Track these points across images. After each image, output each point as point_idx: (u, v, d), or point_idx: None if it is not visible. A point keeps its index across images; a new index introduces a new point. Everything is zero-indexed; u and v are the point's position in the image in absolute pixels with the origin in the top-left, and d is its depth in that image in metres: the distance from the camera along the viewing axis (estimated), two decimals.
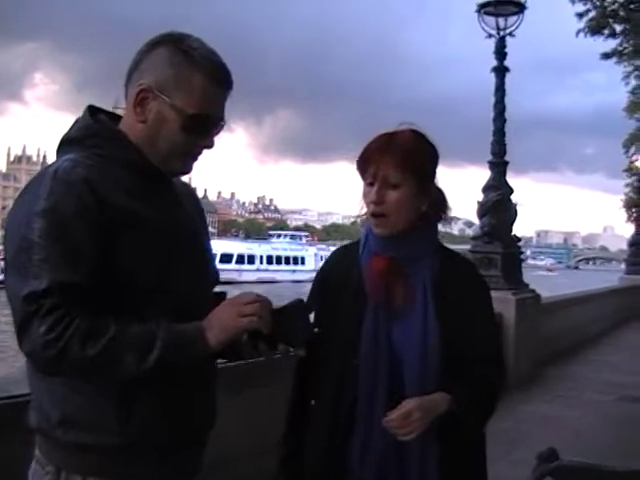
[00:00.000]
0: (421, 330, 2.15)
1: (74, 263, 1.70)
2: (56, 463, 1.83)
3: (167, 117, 1.85)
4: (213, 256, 2.20)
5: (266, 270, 64.89)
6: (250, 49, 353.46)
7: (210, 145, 1.94)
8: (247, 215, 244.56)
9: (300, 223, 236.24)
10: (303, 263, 70.65)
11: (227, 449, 3.52)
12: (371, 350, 2.16)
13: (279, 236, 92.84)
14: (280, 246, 77.08)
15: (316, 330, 1.95)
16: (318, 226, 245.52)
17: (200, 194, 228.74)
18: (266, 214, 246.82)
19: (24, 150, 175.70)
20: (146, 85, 1.85)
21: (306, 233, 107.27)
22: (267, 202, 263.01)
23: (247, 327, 1.81)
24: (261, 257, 66.97)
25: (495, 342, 2.38)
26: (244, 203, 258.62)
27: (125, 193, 1.81)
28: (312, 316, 1.99)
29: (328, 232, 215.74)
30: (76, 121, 1.94)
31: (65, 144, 1.90)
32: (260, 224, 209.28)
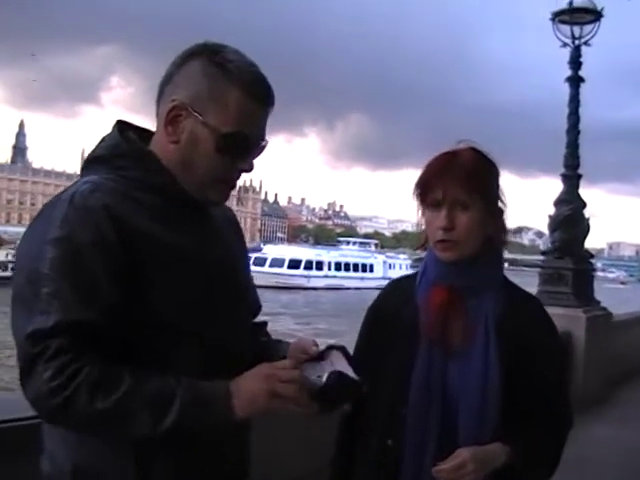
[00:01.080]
0: (481, 372, 1.93)
1: (88, 299, 1.51)
2: None
3: (200, 137, 1.67)
4: (253, 286, 2.01)
5: (334, 277, 64.77)
6: (322, 53, 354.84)
7: (250, 169, 1.74)
8: (317, 221, 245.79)
9: (370, 230, 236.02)
10: (372, 270, 70.27)
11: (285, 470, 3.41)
12: (422, 397, 1.96)
13: (348, 243, 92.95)
14: (349, 253, 77.05)
15: (364, 389, 1.71)
16: (388, 233, 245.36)
17: (271, 199, 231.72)
18: (336, 220, 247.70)
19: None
20: (179, 102, 1.67)
21: (375, 241, 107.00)
22: (337, 208, 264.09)
23: (277, 410, 1.58)
24: (329, 263, 66.88)
25: (561, 389, 2.14)
26: (314, 209, 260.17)
27: (153, 221, 1.64)
28: (353, 374, 1.70)
29: (398, 239, 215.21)
30: (103, 139, 1.76)
31: (91, 162, 1.73)
32: (329, 230, 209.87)
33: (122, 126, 1.77)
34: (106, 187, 1.63)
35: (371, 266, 71.53)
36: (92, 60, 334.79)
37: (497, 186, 2.07)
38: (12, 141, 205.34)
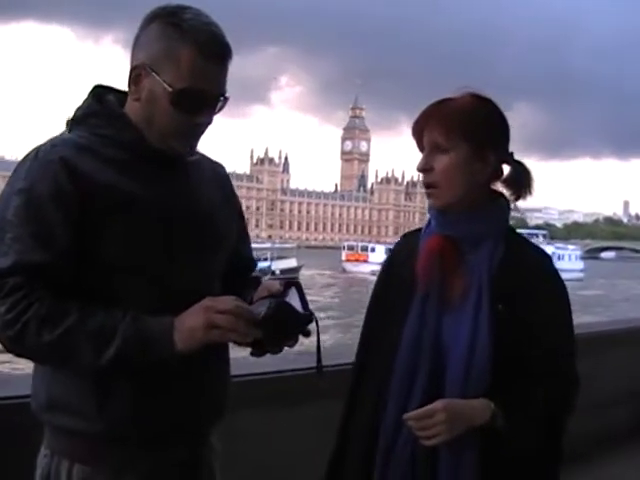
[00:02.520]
0: (470, 328, 1.87)
1: (44, 244, 1.67)
2: (50, 447, 1.82)
3: (157, 94, 1.77)
4: (244, 242, 2.11)
5: None
6: (483, 40, 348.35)
7: (207, 122, 1.83)
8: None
9: (540, 222, 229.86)
10: None
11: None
12: (410, 352, 1.92)
13: None
14: None
15: (302, 312, 1.73)
16: (559, 224, 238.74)
17: None
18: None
19: (266, 152, 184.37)
20: (139, 62, 1.79)
21: (544, 231, 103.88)
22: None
23: (217, 340, 1.68)
24: None
25: (565, 355, 1.99)
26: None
27: (115, 174, 1.75)
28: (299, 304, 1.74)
29: (569, 231, 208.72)
30: (81, 103, 1.89)
31: (72, 124, 1.85)
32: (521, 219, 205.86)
33: (101, 90, 1.89)
34: (68, 142, 1.78)
35: None
36: (263, 60, 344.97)
37: (495, 132, 1.99)
38: None
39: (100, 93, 1.87)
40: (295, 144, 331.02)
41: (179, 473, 1.86)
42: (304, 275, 49.35)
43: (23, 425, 2.03)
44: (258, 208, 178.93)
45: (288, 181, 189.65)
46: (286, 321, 1.69)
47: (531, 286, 1.93)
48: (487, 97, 1.99)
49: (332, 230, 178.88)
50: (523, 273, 1.94)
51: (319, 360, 1.82)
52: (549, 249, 72.67)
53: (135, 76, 1.80)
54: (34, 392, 1.84)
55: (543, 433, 1.93)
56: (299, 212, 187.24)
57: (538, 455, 1.94)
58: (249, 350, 1.80)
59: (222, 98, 1.83)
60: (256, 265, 2.17)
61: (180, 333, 1.66)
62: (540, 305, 1.93)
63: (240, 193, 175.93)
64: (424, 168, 1.96)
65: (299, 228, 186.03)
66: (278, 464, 3.28)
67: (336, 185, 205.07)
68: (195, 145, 1.88)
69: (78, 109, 1.86)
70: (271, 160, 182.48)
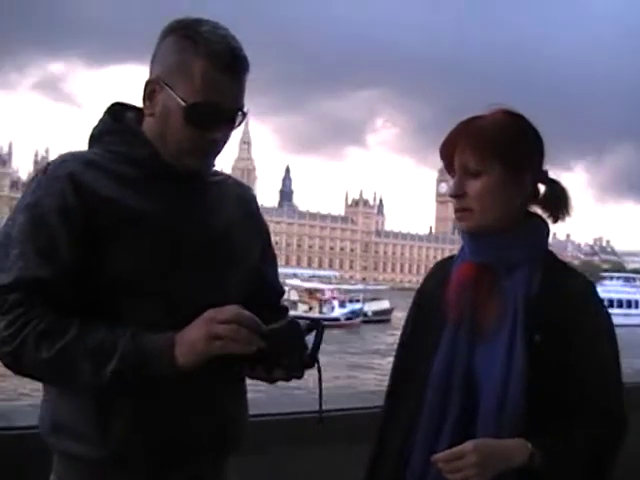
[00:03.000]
0: (503, 360, 1.74)
1: (48, 259, 1.64)
2: (57, 473, 1.78)
3: (171, 109, 1.72)
4: (263, 264, 1.98)
5: None
6: (588, 81, 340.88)
7: (223, 138, 1.77)
8: (582, 257, 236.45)
9: (638, 265, 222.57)
10: (637, 307, 67.14)
11: None
12: (441, 381, 1.80)
13: (612, 278, 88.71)
14: (612, 289, 73.83)
15: (308, 353, 1.64)
16: None
17: None
18: (602, 256, 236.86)
19: (361, 194, 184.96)
20: (154, 76, 1.75)
21: None
22: (603, 243, 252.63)
23: (219, 352, 1.58)
24: None
25: (609, 389, 1.79)
26: (579, 244, 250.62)
27: (128, 190, 1.72)
28: (311, 338, 1.68)
29: None
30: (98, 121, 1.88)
31: (89, 143, 1.84)
32: (596, 266, 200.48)
33: (119, 107, 1.85)
34: (78, 157, 1.75)
35: (637, 302, 68.28)
36: (357, 103, 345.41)
37: (529, 151, 1.86)
38: (279, 186, 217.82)
39: (118, 111, 1.84)
40: (390, 186, 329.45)
41: None
42: (396, 317, 49.83)
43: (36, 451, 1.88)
44: (352, 250, 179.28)
45: (382, 223, 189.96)
46: (293, 341, 1.61)
47: (572, 315, 1.76)
48: (519, 113, 1.87)
49: (426, 272, 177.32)
50: (563, 301, 1.77)
51: (321, 405, 1.74)
52: None
53: (150, 91, 1.74)
54: (41, 416, 1.80)
55: (586, 476, 1.76)
56: (393, 254, 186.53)
57: None
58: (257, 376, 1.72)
59: (240, 113, 1.76)
60: (283, 292, 2.09)
61: (181, 347, 1.60)
62: (582, 336, 1.76)
63: (335, 235, 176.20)
64: (457, 193, 1.83)
65: (393, 270, 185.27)
66: None
67: (430, 228, 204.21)
68: (211, 162, 1.83)
69: (95, 127, 1.83)
70: (365, 202, 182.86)
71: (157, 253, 1.71)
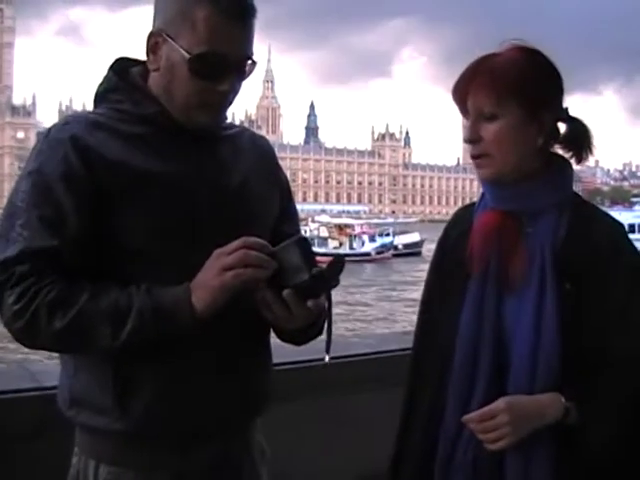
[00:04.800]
0: (534, 313, 1.66)
1: (53, 228, 1.56)
2: (79, 445, 1.72)
3: (175, 61, 1.61)
4: (282, 222, 1.84)
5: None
6: (615, 6, 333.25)
7: (234, 89, 1.66)
8: (612, 183, 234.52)
9: None
10: None
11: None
12: (470, 338, 1.71)
13: None
14: None
15: (316, 270, 1.52)
16: None
17: None
18: (632, 181, 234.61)
19: (387, 127, 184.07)
20: (155, 29, 1.64)
21: None
22: (633, 168, 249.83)
23: (233, 282, 1.51)
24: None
25: None
26: (608, 170, 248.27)
27: (136, 150, 1.63)
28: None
29: None
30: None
31: (95, 102, 1.75)
32: (626, 192, 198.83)
33: (124, 63, 1.76)
34: (81, 119, 1.67)
35: None
36: (383, 34, 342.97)
37: (548, 88, 1.74)
38: (304, 122, 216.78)
39: (122, 66, 1.73)
40: (417, 118, 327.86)
41: (212, 474, 1.72)
42: (428, 249, 49.89)
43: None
44: (380, 184, 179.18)
45: (410, 155, 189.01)
46: (303, 260, 1.53)
47: (602, 262, 1.67)
48: (535, 48, 1.74)
49: (455, 203, 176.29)
50: (592, 247, 1.68)
51: (328, 342, 1.67)
52: None
53: (152, 44, 1.64)
54: (60, 388, 1.73)
55: (631, 433, 1.65)
56: (422, 186, 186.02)
57: (626, 458, 1.66)
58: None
59: (249, 62, 1.67)
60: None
61: (197, 292, 1.54)
62: (615, 282, 1.67)
63: (362, 169, 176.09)
64: (471, 139, 1.71)
65: (422, 202, 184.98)
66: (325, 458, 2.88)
67: (458, 159, 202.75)
68: (222, 116, 1.73)
69: (99, 85, 1.73)
70: (392, 135, 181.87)
71: (170, 216, 1.62)
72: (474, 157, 1.73)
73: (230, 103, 1.70)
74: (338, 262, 1.56)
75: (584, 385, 1.61)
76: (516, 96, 1.68)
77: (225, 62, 1.61)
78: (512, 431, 1.58)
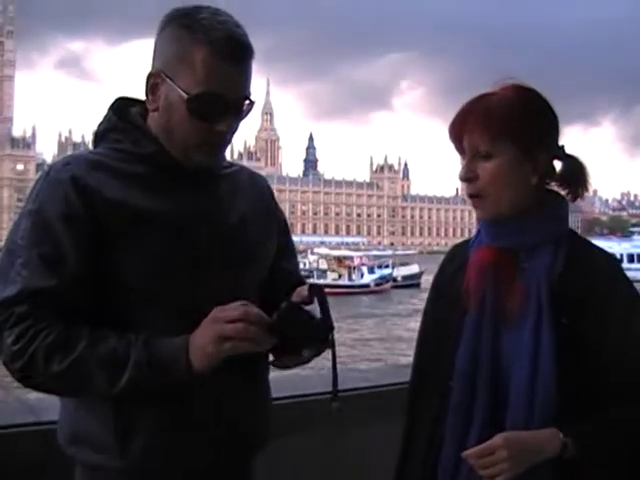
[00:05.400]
0: (530, 349, 1.66)
1: (52, 268, 1.57)
2: None
3: (174, 102, 1.64)
4: (281, 258, 1.90)
5: (627, 269, 61.24)
6: (607, 34, 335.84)
7: (231, 130, 1.69)
8: (610, 212, 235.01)
9: None
10: None
11: None
12: (467, 374, 1.71)
13: None
14: None
15: (320, 320, 1.57)
16: None
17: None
18: (630, 210, 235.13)
19: (386, 159, 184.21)
20: (154, 69, 1.67)
21: None
22: (631, 198, 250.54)
23: (231, 353, 1.52)
24: (621, 255, 64.10)
25: None
26: (607, 200, 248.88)
27: (135, 190, 1.65)
28: (316, 310, 1.60)
29: None
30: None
31: (95, 142, 1.77)
32: (624, 221, 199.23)
33: (124, 102, 1.78)
34: (81, 159, 1.69)
35: None
36: (382, 67, 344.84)
37: (543, 127, 1.75)
38: (303, 155, 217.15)
39: (122, 106, 1.76)
40: (416, 149, 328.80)
41: None
42: (427, 280, 49.85)
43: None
44: (379, 215, 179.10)
45: (409, 187, 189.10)
46: (300, 325, 1.55)
47: (598, 296, 1.69)
48: (530, 87, 1.76)
49: (454, 234, 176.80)
50: (588, 282, 1.69)
51: (335, 382, 1.65)
52: None
53: (152, 85, 1.67)
54: (60, 425, 1.75)
55: (628, 470, 1.66)
56: (420, 218, 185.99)
57: None
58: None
59: (247, 102, 1.69)
60: (303, 284, 1.86)
61: (194, 351, 1.54)
62: (611, 316, 1.68)
63: (361, 201, 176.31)
64: (467, 177, 1.72)
65: (421, 234, 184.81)
66: None
67: (457, 189, 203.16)
68: (220, 155, 1.76)
69: (99, 125, 1.76)
70: (390, 167, 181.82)
71: (168, 255, 1.64)
72: (471, 196, 1.75)
73: (228, 142, 1.73)
74: (323, 295, 1.60)
75: (582, 421, 1.61)
76: (510, 136, 1.69)
77: (223, 103, 1.64)
78: (511, 467, 1.58)
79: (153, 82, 1.67)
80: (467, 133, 1.72)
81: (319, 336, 1.59)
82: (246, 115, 1.71)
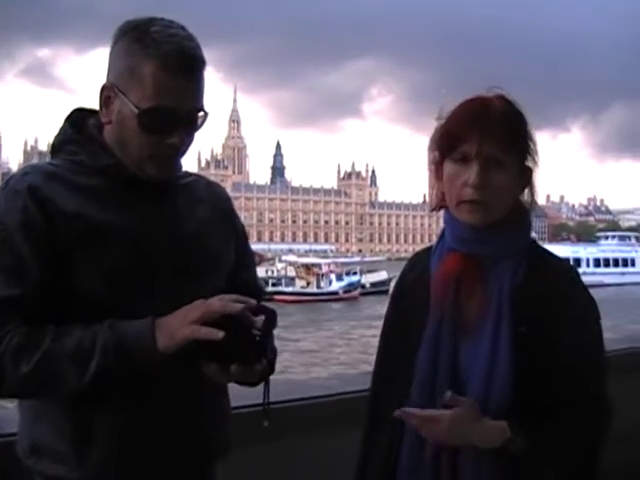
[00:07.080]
0: (488, 355, 1.68)
1: (14, 277, 1.58)
2: None
3: (126, 116, 1.65)
4: (245, 268, 1.93)
5: (593, 273, 62.38)
6: (583, 44, 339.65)
7: (184, 142, 1.69)
8: (577, 218, 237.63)
9: (633, 223, 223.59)
10: (633, 265, 67.65)
11: None
12: (426, 378, 1.74)
13: (607, 237, 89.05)
14: (608, 248, 74.37)
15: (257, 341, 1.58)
16: None
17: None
18: (597, 216, 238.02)
19: (353, 166, 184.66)
20: (108, 82, 1.68)
21: (637, 233, 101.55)
22: (597, 203, 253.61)
23: (190, 336, 1.54)
24: (587, 260, 64.98)
25: (596, 378, 1.74)
26: (573, 205, 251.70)
27: (90, 202, 1.65)
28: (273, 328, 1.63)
29: None
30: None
31: (51, 153, 1.79)
32: (591, 227, 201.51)
33: (80, 114, 1.78)
34: (39, 170, 1.69)
35: (632, 260, 68.81)
36: (352, 73, 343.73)
37: (532, 141, 1.78)
38: (271, 162, 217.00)
39: (79, 117, 1.76)
40: (385, 156, 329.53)
41: None
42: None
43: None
44: (347, 222, 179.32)
45: (376, 194, 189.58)
46: (236, 337, 1.54)
47: (556, 305, 1.71)
48: (512, 99, 1.77)
49: (422, 241, 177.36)
50: (546, 291, 1.72)
51: (266, 397, 1.72)
52: None
53: (105, 97, 1.67)
54: (19, 436, 1.74)
55: (574, 465, 1.71)
56: (388, 224, 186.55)
57: None
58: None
59: (201, 113, 1.70)
60: (262, 293, 1.97)
61: (161, 332, 1.56)
62: (567, 326, 1.71)
63: (329, 208, 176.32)
64: (482, 185, 1.69)
65: (389, 241, 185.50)
66: None
67: (424, 196, 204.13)
68: (175, 167, 1.76)
69: (56, 137, 1.76)
70: (358, 174, 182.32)
71: (124, 266, 1.65)
72: (472, 202, 1.72)
73: (182, 154, 1.73)
74: (271, 318, 1.61)
75: (532, 421, 1.64)
76: (519, 147, 1.74)
77: (174, 116, 1.64)
78: (447, 440, 1.66)
79: (106, 95, 1.68)
80: (479, 136, 1.70)
81: (249, 356, 1.58)
82: (200, 126, 1.72)
